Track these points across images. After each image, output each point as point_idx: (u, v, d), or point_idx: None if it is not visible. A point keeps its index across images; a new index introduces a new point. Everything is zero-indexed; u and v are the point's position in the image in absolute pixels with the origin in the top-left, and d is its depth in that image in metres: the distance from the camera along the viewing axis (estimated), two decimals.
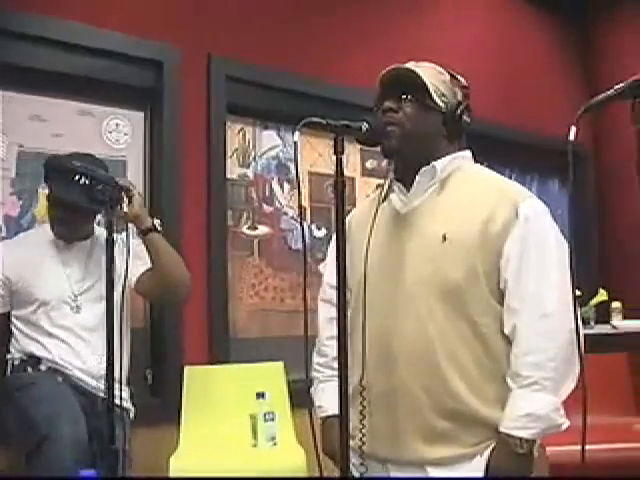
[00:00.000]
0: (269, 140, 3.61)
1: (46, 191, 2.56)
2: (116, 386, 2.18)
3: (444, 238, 1.67)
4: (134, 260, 2.34)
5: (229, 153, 3.42)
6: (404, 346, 1.67)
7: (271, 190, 3.59)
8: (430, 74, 1.78)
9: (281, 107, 3.56)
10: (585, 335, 3.99)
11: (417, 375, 1.65)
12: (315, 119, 1.57)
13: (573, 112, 1.22)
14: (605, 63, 4.83)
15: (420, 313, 1.66)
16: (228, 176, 3.38)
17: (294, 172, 3.66)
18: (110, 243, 2.05)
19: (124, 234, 2.30)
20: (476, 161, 1.90)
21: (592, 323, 4.35)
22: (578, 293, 4.04)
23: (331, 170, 3.98)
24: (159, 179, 3.17)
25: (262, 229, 3.54)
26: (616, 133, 4.77)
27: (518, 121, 4.57)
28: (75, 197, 2.29)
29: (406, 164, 1.81)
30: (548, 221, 1.71)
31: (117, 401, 2.19)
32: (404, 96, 1.77)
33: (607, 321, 3.80)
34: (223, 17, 3.41)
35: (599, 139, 5.07)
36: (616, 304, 3.75)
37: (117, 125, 3.15)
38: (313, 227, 3.73)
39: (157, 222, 2.48)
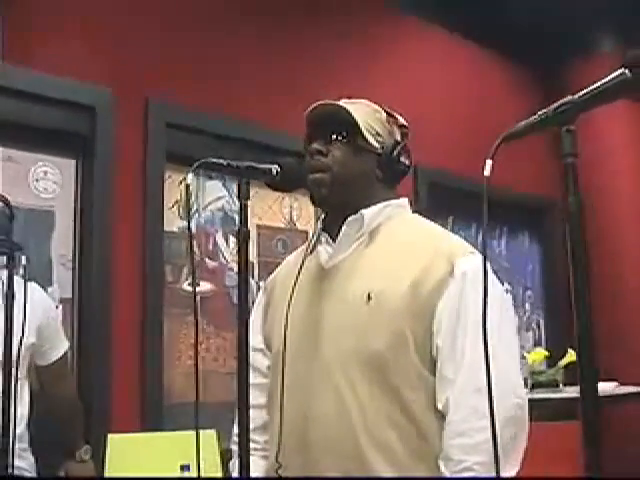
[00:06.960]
0: (214, 191, 3.39)
1: None
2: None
3: (369, 298, 1.46)
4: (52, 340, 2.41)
5: (169, 205, 3.20)
6: (321, 430, 1.44)
7: (215, 244, 3.36)
8: (363, 111, 1.60)
9: (226, 156, 3.33)
10: (553, 400, 3.68)
11: (336, 462, 1.42)
12: (214, 160, 1.40)
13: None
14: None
15: (339, 391, 1.43)
16: (167, 229, 3.15)
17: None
18: (10, 296, 1.78)
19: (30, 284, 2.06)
20: (414, 211, 1.71)
21: (561, 386, 4.07)
22: (545, 353, 3.79)
23: (282, 223, 3.76)
24: (89, 230, 2.93)
25: (204, 285, 3.29)
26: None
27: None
28: None
29: (333, 211, 1.61)
30: (489, 278, 1.50)
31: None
32: (333, 137, 1.58)
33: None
34: (162, 60, 3.20)
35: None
36: None
37: (45, 173, 2.91)
38: (261, 284, 3.48)
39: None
